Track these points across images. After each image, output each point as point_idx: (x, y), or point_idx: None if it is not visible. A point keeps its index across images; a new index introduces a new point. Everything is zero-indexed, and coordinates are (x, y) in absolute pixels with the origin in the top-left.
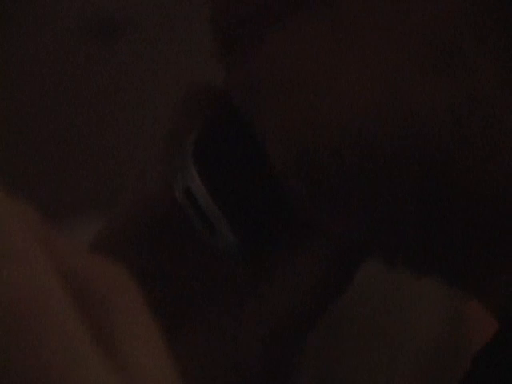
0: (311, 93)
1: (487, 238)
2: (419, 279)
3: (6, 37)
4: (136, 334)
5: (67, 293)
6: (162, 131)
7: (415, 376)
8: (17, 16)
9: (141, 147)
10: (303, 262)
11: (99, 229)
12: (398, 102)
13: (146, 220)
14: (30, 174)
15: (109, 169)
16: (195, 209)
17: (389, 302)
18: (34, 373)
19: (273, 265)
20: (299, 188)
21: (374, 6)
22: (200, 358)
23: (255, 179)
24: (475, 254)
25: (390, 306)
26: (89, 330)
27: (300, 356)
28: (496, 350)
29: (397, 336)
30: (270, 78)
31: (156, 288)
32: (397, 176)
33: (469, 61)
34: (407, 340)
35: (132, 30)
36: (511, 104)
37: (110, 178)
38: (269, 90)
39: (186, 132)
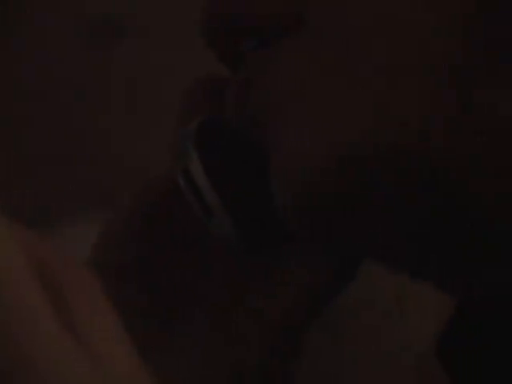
0: (307, 116)
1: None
2: (413, 281)
3: (6, 39)
4: (93, 318)
5: (36, 279)
6: (163, 131)
7: (414, 376)
8: (18, 18)
9: (142, 146)
10: (303, 260)
11: (107, 217)
12: (392, 116)
13: (148, 207)
14: (32, 177)
15: (111, 169)
16: (194, 191)
17: (388, 306)
18: (4, 348)
19: (272, 260)
20: (297, 221)
21: (366, 31)
22: (196, 353)
23: (255, 169)
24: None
25: (389, 309)
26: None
27: (299, 358)
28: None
29: (396, 338)
30: (270, 102)
31: (155, 277)
32: (394, 191)
33: (460, 73)
34: (406, 342)
35: (134, 32)
36: (503, 118)
37: (110, 178)
38: (270, 113)
39: (191, 119)
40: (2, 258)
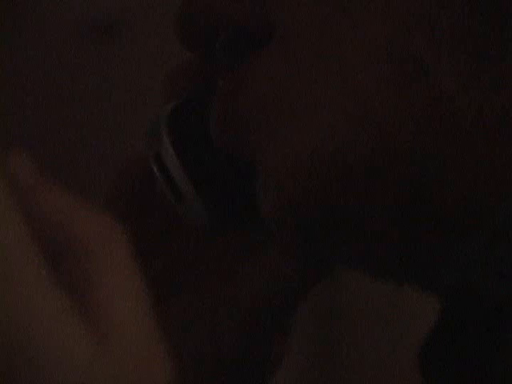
0: (286, 127)
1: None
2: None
3: (6, 37)
4: (115, 285)
5: (35, 246)
6: None
7: (413, 375)
8: (17, 16)
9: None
10: (282, 248)
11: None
12: (365, 120)
13: (123, 197)
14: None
15: (112, 167)
16: (165, 175)
17: (388, 301)
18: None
19: (253, 247)
20: (281, 229)
21: (335, 31)
22: (179, 334)
23: (226, 154)
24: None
25: (389, 305)
26: (61, 279)
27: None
28: (439, 339)
29: (396, 334)
30: (251, 116)
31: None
32: (374, 196)
33: (428, 70)
34: (406, 337)
35: (133, 30)
36: (471, 106)
37: (111, 177)
38: (252, 128)
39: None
40: None
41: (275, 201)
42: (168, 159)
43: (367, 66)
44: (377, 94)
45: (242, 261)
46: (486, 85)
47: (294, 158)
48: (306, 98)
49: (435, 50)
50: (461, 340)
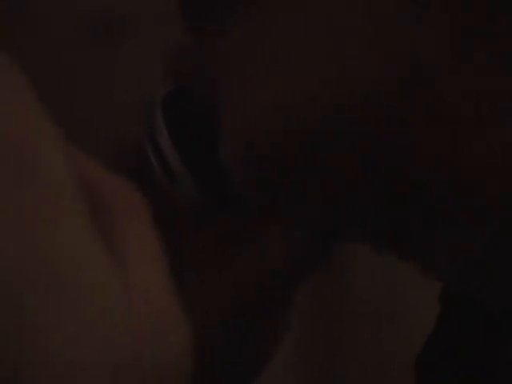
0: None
1: (427, 213)
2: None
3: (5, 37)
4: (139, 244)
5: (82, 200)
6: None
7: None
8: (17, 16)
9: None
10: (274, 235)
11: None
12: (342, 80)
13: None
14: None
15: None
16: (158, 156)
17: (388, 301)
18: (43, 265)
19: (240, 233)
20: (251, 188)
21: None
22: None
23: (219, 135)
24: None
25: (389, 304)
26: (99, 235)
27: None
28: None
29: (396, 337)
30: (226, 69)
31: None
32: (345, 157)
33: (408, 30)
34: (406, 341)
35: (134, 31)
36: (453, 71)
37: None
38: (225, 82)
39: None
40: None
41: (242, 157)
42: (162, 139)
43: (345, 25)
44: (354, 53)
45: (238, 248)
46: (486, 87)
47: (265, 115)
48: (280, 56)
49: (417, 10)
50: (457, 348)
